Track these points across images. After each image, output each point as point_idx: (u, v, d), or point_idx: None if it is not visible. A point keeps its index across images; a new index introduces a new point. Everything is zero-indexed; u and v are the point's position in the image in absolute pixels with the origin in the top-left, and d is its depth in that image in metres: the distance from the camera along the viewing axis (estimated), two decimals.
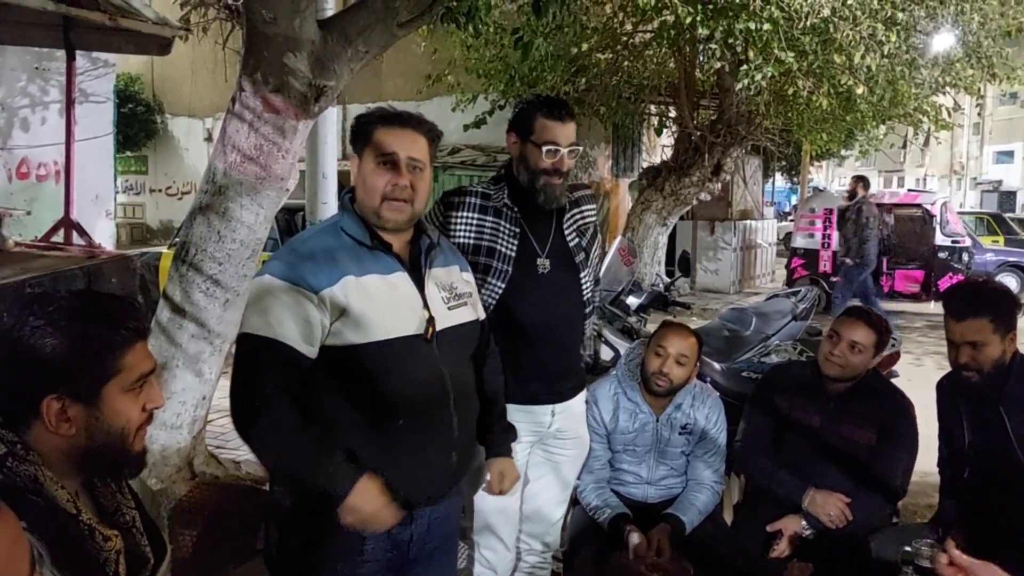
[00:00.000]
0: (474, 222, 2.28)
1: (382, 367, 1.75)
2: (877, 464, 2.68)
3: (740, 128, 8.92)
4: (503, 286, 2.25)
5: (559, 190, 2.29)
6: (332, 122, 4.41)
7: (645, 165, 11.99)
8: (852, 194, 9.78)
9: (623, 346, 4.01)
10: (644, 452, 2.79)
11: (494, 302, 2.25)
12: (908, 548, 2.38)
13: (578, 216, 2.41)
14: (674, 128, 10.21)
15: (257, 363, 1.72)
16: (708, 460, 2.79)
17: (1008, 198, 31.35)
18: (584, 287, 2.37)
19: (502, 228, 2.29)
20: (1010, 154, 34.28)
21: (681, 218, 11.11)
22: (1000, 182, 33.51)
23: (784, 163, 19.43)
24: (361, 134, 1.83)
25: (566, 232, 2.37)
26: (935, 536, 2.47)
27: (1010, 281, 12.21)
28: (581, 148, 2.36)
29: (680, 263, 5.54)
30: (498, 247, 2.27)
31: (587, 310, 2.40)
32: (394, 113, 1.86)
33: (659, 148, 13.65)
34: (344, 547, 1.78)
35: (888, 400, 2.76)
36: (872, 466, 2.68)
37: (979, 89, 8.84)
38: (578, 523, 2.78)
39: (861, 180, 9.98)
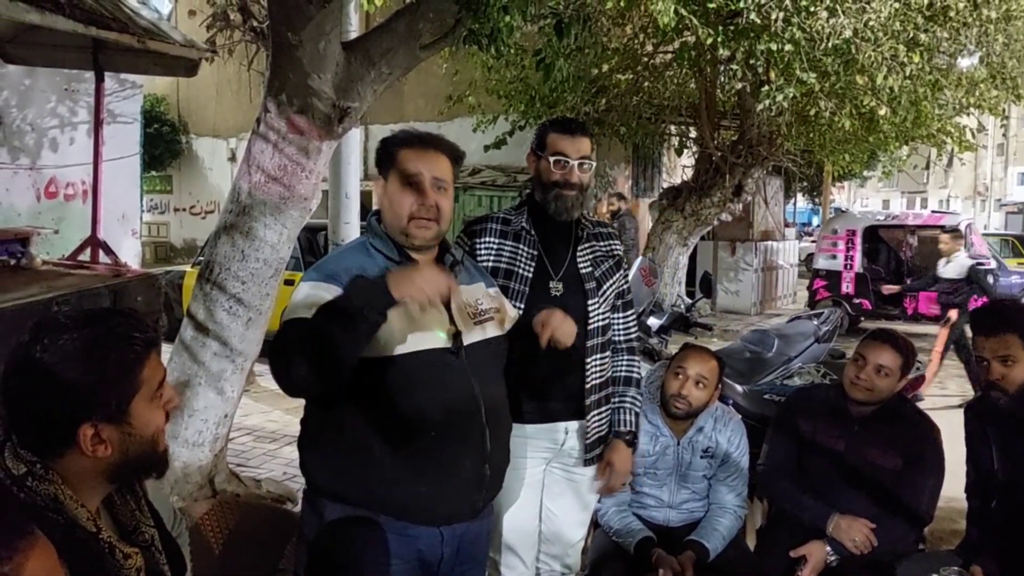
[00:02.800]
0: (494, 246, 2.33)
1: (410, 380, 1.77)
2: (902, 489, 2.63)
3: (761, 149, 8.89)
4: (522, 306, 2.27)
5: (571, 201, 2.33)
6: (355, 143, 4.46)
7: (665, 185, 11.97)
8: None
9: (644, 368, 4.00)
10: (665, 476, 2.77)
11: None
12: (935, 575, 2.35)
13: (598, 248, 2.44)
14: (695, 149, 10.20)
15: (295, 330, 1.69)
16: (730, 484, 2.76)
17: None
18: (591, 313, 2.36)
19: (520, 251, 2.33)
20: None
21: (702, 239, 11.07)
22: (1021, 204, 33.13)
23: (806, 184, 19.35)
24: (386, 156, 1.89)
25: (580, 259, 2.39)
26: (961, 563, 2.43)
27: None
28: (594, 163, 2.41)
29: (701, 284, 5.52)
30: (516, 269, 2.30)
31: (599, 338, 2.38)
32: (418, 135, 1.91)
33: (679, 168, 13.64)
34: (372, 567, 1.78)
35: (913, 424, 2.72)
36: (897, 491, 2.63)
37: (1003, 110, 8.77)
38: (599, 546, 2.75)
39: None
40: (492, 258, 2.31)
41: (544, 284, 2.32)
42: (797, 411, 2.89)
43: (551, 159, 2.31)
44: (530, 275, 2.30)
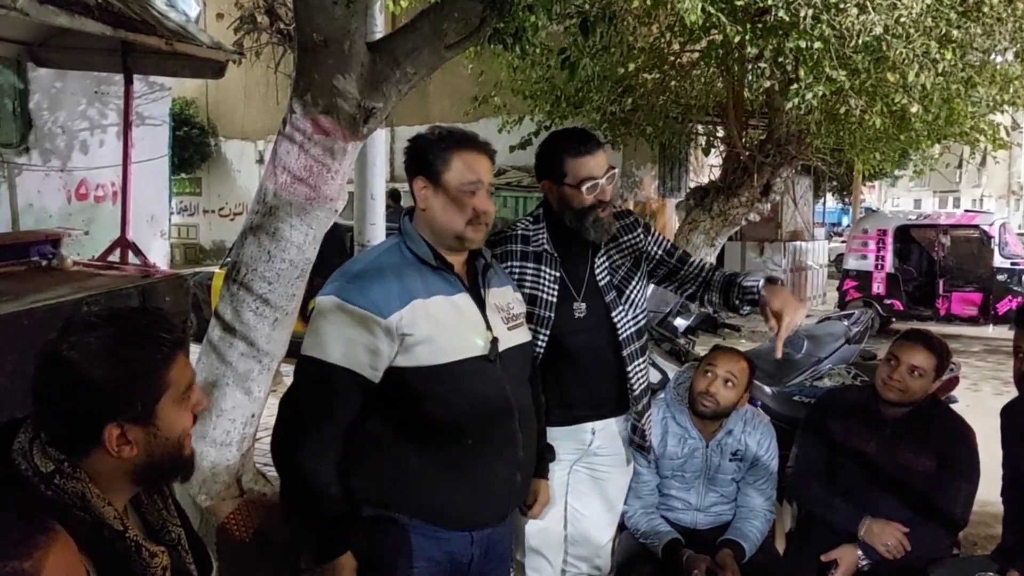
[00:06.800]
0: (516, 270, 2.25)
1: (450, 389, 1.77)
2: (936, 493, 2.58)
3: (790, 148, 8.78)
4: (548, 332, 2.24)
5: (607, 221, 2.27)
6: (381, 144, 4.46)
7: (692, 185, 11.88)
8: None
9: (671, 369, 3.96)
10: (693, 478, 2.73)
11: (542, 349, 2.24)
12: None
13: (614, 249, 2.38)
14: (722, 148, 10.11)
15: (325, 390, 1.74)
16: (760, 487, 2.72)
17: None
18: (619, 324, 2.32)
19: (543, 274, 2.27)
20: None
21: (729, 239, 10.96)
22: None
23: (835, 183, 19.11)
24: (435, 158, 1.82)
25: (597, 271, 2.34)
26: (997, 569, 2.39)
27: None
28: (616, 169, 2.32)
29: None
30: (539, 294, 2.25)
31: (634, 344, 2.35)
32: (471, 138, 1.86)
33: (707, 168, 13.54)
34: (402, 568, 1.79)
35: (947, 426, 2.67)
36: (931, 495, 2.58)
37: None
38: (627, 549, 2.73)
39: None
40: (515, 282, 2.23)
41: (568, 306, 2.28)
42: (827, 413, 2.84)
43: (582, 187, 2.18)
44: (554, 300, 2.26)
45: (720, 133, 10.04)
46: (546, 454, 2.16)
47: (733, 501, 2.76)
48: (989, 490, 2.62)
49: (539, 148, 2.37)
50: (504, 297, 1.96)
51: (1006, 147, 9.42)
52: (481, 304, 1.87)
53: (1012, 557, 2.42)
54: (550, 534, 2.30)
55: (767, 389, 3.97)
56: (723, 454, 2.72)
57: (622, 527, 2.72)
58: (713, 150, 10.52)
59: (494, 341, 1.84)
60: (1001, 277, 10.84)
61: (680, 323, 4.91)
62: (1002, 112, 8.53)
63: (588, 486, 2.40)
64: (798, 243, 13.55)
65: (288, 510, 1.88)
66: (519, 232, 2.31)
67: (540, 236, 2.30)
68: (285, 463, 1.77)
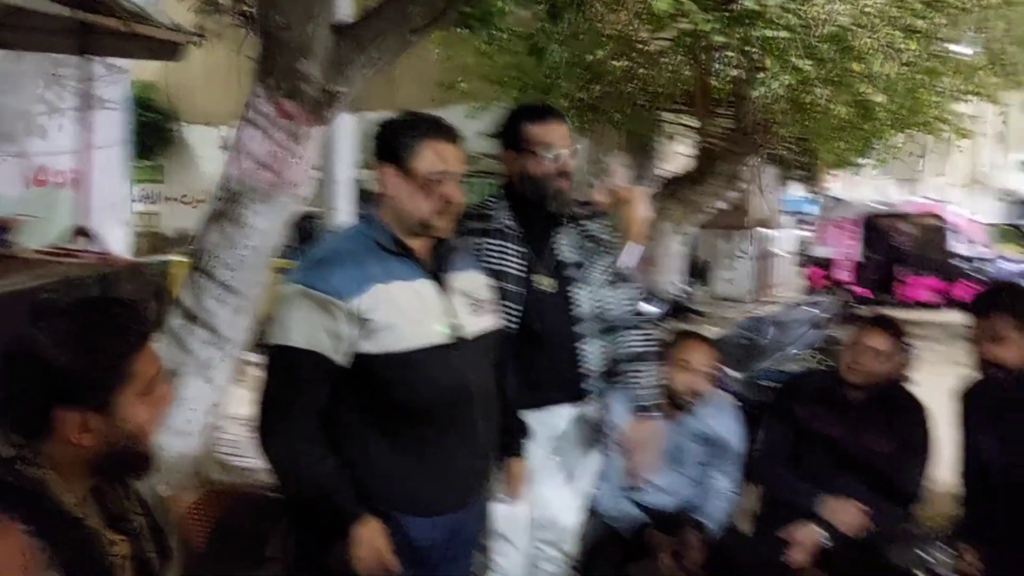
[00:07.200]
0: (478, 248, 2.22)
1: (411, 376, 1.75)
2: (895, 473, 2.65)
3: (757, 137, 8.85)
4: (519, 308, 2.23)
5: (567, 194, 2.27)
6: (347, 129, 4.40)
7: (661, 173, 11.93)
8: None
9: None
10: (660, 461, 2.75)
11: (517, 324, 2.22)
12: (924, 556, 2.37)
13: (579, 230, 2.37)
14: (690, 136, 10.16)
15: (292, 374, 1.73)
16: (725, 469, 2.77)
17: None
18: (580, 300, 2.32)
19: (508, 249, 2.26)
20: None
21: (697, 227, 11.04)
22: (1020, 193, 33.13)
23: (802, 172, 19.31)
24: (403, 145, 1.79)
25: (560, 247, 2.33)
26: (952, 545, 2.45)
27: None
28: (578, 147, 2.31)
29: (697, 272, 5.52)
30: (506, 269, 2.24)
31: (592, 324, 2.34)
32: (441, 125, 1.83)
33: (675, 156, 13.60)
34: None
35: (906, 408, 2.74)
36: (890, 475, 2.65)
37: (1002, 97, 8.74)
38: (595, 532, 2.74)
39: None
40: (479, 261, 2.19)
41: (536, 282, 2.27)
42: (793, 397, 2.90)
43: (543, 154, 2.20)
44: (522, 274, 2.25)
45: (688, 122, 10.09)
46: (520, 433, 2.15)
47: (699, 483, 2.79)
48: (945, 470, 2.67)
49: (500, 120, 2.35)
50: (470, 282, 1.93)
51: (969, 136, 9.58)
52: (445, 290, 1.84)
53: (968, 535, 2.47)
54: (517, 519, 2.29)
55: (734, 374, 4.01)
56: (690, 437, 2.75)
57: (591, 511, 2.73)
58: (681, 138, 10.57)
59: (458, 328, 1.82)
60: (960, 264, 11.07)
61: (647, 309, 4.94)
62: (965, 102, 8.66)
63: (556, 470, 2.39)
64: (765, 231, 13.68)
65: (286, 498, 1.86)
66: (472, 211, 2.28)
67: (501, 213, 2.29)
68: (268, 452, 1.77)
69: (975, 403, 2.55)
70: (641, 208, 2.68)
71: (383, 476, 1.78)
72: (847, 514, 2.59)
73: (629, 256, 4.63)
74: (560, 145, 2.22)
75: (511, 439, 2.10)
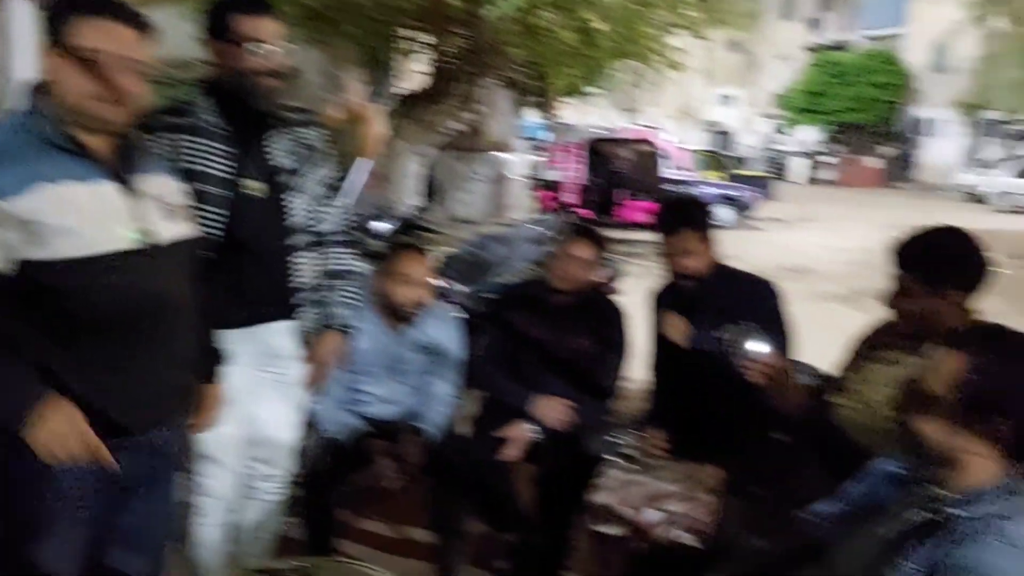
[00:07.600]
0: (168, 145, 2.04)
1: (95, 284, 1.60)
2: (596, 370, 2.90)
3: (490, 58, 8.99)
4: (224, 213, 2.09)
5: (274, 92, 2.14)
6: (24, 19, 3.84)
7: (397, 91, 11.77)
8: None
9: (364, 265, 3.99)
10: (382, 372, 2.80)
11: (222, 231, 2.09)
12: (616, 441, 2.67)
13: (295, 136, 2.26)
14: (426, 55, 10.08)
15: None
16: (445, 376, 2.86)
17: (725, 137, 35.18)
18: (292, 209, 2.24)
19: (212, 148, 2.10)
20: (731, 98, 38.05)
21: (435, 148, 11.10)
22: (722, 123, 37.16)
23: (536, 98, 20.01)
24: (70, 23, 1.57)
25: (276, 150, 2.22)
26: (641, 430, 2.77)
27: (726, 212, 13.65)
28: (288, 46, 2.18)
29: (433, 193, 5.59)
30: (211, 171, 2.09)
31: (303, 236, 2.26)
32: (117, 5, 1.62)
33: (412, 75, 13.45)
34: (35, 483, 1.62)
35: (605, 311, 2.99)
36: (592, 373, 2.89)
37: (709, 34, 9.54)
38: (317, 445, 2.74)
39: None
40: (176, 159, 2.03)
41: (243, 186, 2.14)
42: (508, 306, 3.06)
43: (247, 46, 2.05)
44: (229, 177, 2.11)
45: (425, 39, 9.99)
46: (214, 358, 2.04)
47: (422, 391, 2.87)
48: (641, 369, 2.98)
49: (207, 8, 2.16)
50: (160, 186, 1.78)
51: (679, 69, 10.41)
52: (131, 193, 1.68)
53: (655, 421, 2.79)
54: (226, 439, 2.20)
55: (462, 288, 4.16)
56: (411, 348, 2.81)
57: (310, 425, 2.72)
58: (418, 56, 10.45)
59: (149, 233, 1.69)
60: (670, 187, 12.21)
61: (379, 226, 4.93)
62: (675, 36, 9.37)
63: (269, 389, 2.31)
64: (500, 154, 14.10)
65: None
66: (171, 106, 2.11)
67: (204, 109, 2.12)
68: None
69: (664, 303, 2.85)
70: (376, 125, 2.60)
71: (71, 397, 1.62)
72: (554, 411, 2.81)
73: (360, 173, 4.58)
74: (268, 39, 2.08)
75: (203, 362, 1.98)
